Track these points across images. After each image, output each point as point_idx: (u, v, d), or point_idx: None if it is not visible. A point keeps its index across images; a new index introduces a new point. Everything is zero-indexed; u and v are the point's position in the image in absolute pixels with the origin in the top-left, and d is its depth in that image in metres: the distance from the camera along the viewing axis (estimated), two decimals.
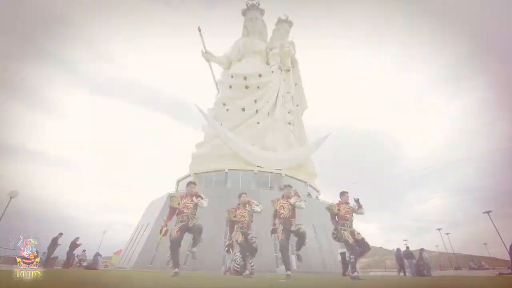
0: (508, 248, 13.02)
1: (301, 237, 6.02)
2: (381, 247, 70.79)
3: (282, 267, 16.99)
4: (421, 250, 14.20)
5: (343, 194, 6.82)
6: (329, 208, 6.62)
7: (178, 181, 29.08)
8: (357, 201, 6.62)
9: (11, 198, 15.79)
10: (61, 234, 13.20)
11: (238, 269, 7.63)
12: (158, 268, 17.41)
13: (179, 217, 5.64)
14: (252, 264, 10.87)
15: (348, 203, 6.67)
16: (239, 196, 6.69)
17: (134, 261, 19.43)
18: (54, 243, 12.85)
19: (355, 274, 5.89)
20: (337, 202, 6.75)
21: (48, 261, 13.03)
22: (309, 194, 26.54)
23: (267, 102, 30.66)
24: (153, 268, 17.88)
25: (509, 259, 13.01)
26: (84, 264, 15.88)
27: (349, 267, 6.33)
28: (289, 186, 6.67)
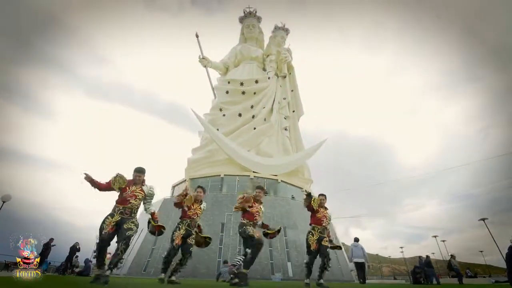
0: (504, 255, 13.01)
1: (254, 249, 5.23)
2: (377, 254, 70.52)
3: (278, 275, 16.79)
4: (451, 256, 14.09)
5: (321, 197, 6.20)
6: (311, 198, 6.02)
7: (173, 186, 28.82)
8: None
9: (3, 202, 15.44)
10: (52, 239, 12.93)
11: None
12: (151, 274, 17.09)
13: (119, 208, 4.42)
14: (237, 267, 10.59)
15: (327, 208, 6.11)
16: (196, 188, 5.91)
17: (128, 267, 19.07)
18: (46, 248, 12.57)
19: (320, 281, 5.56)
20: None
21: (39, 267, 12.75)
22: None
23: (264, 107, 30.74)
24: (146, 274, 17.56)
25: (505, 266, 12.97)
26: (77, 270, 15.55)
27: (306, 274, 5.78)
28: (261, 187, 5.98)
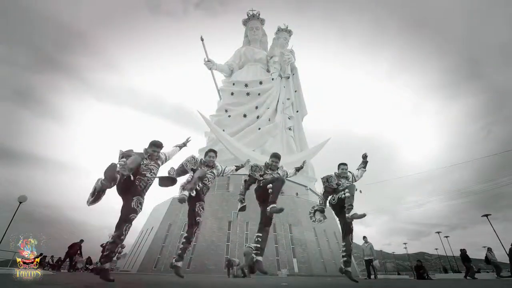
0: (507, 251, 13.15)
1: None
2: (381, 250, 70.72)
3: (284, 270, 17.34)
4: (488, 250, 13.33)
5: (342, 166, 5.27)
6: (326, 180, 5.04)
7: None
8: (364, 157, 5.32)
9: (20, 203, 15.97)
10: (82, 240, 13.58)
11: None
12: (162, 271, 17.76)
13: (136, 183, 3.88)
14: (238, 262, 10.47)
15: (348, 178, 5.18)
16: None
17: (139, 264, 19.78)
18: (77, 248, 13.17)
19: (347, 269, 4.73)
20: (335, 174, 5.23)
21: (59, 264, 13.60)
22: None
23: (268, 108, 31.26)
24: (157, 271, 18.22)
25: (508, 262, 13.19)
26: (90, 267, 16.24)
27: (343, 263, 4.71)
28: (277, 155, 5.05)
